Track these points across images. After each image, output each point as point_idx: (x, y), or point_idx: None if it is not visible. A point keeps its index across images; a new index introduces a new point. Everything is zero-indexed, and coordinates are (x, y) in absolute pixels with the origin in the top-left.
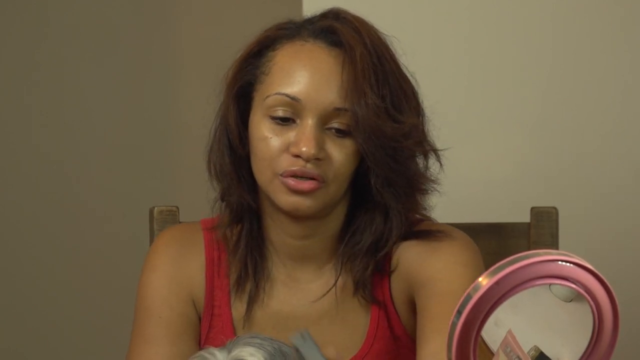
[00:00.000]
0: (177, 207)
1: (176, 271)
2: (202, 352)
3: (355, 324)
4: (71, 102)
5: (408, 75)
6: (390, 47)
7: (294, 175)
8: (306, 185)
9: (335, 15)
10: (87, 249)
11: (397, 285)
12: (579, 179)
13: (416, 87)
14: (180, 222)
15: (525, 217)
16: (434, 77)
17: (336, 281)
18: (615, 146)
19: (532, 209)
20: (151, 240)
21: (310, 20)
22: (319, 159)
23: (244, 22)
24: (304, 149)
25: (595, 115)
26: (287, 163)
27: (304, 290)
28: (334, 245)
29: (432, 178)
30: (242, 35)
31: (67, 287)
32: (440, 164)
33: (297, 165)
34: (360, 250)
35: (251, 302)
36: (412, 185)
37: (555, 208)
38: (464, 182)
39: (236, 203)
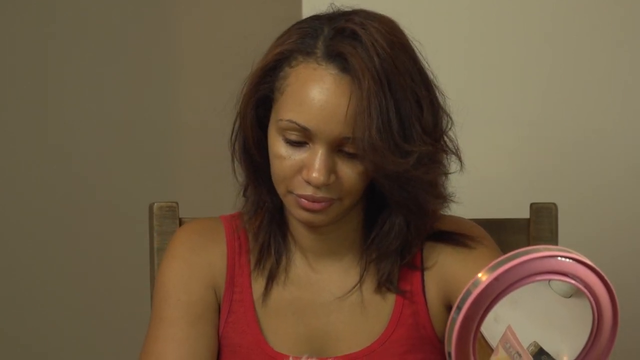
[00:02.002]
0: (177, 203)
1: (197, 258)
2: None
3: (378, 312)
4: (71, 99)
5: (435, 92)
6: (417, 59)
7: (306, 198)
8: (317, 206)
9: (360, 24)
10: (87, 245)
11: (433, 284)
12: (579, 175)
13: (443, 101)
14: (180, 218)
15: (524, 213)
16: (432, 74)
17: (361, 279)
18: (614, 142)
19: (532, 205)
20: (151, 236)
21: (333, 24)
22: (329, 184)
23: (244, 21)
24: (314, 175)
25: (594, 111)
26: (299, 186)
27: (324, 281)
28: (354, 238)
29: (446, 197)
30: (242, 34)
31: (66, 283)
32: (461, 165)
33: (308, 191)
34: (387, 254)
35: (271, 279)
36: (425, 209)
37: (554, 204)
38: (463, 178)
39: (255, 200)
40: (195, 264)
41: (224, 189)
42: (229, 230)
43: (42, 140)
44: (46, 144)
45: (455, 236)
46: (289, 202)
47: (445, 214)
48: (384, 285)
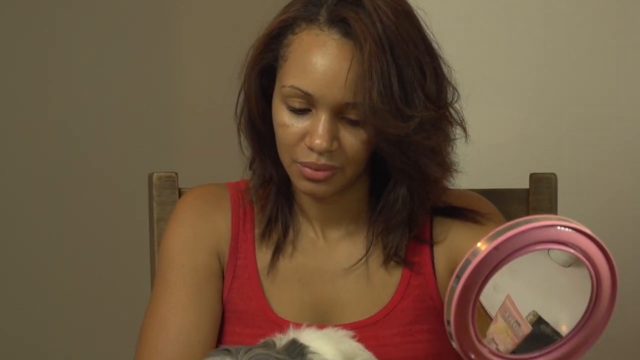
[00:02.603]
0: (176, 174)
1: (201, 224)
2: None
3: (384, 282)
4: (71, 72)
5: (440, 61)
6: (421, 28)
7: (309, 166)
8: (320, 174)
9: None
10: (86, 215)
11: (442, 258)
12: (578, 145)
13: (448, 72)
14: (179, 189)
15: (524, 183)
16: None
17: (367, 252)
18: (614, 112)
19: (531, 175)
20: (150, 207)
21: None
22: (332, 151)
23: None
24: (316, 141)
25: (594, 81)
26: (302, 154)
27: (330, 249)
28: (360, 208)
29: (449, 165)
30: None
31: (66, 253)
32: (466, 136)
33: (311, 158)
34: (395, 226)
35: (277, 252)
36: (426, 175)
37: (554, 174)
38: (463, 148)
39: (262, 174)
40: (200, 230)
41: (223, 159)
42: (234, 197)
43: (42, 112)
44: (46, 115)
45: (465, 212)
46: (293, 173)
47: (452, 187)
48: (390, 259)
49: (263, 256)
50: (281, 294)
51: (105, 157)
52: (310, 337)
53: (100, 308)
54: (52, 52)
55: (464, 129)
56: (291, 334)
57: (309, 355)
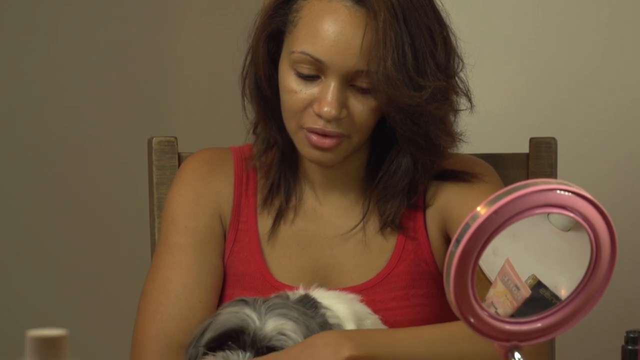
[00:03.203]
0: (176, 138)
1: (204, 187)
2: (235, 308)
3: (380, 248)
4: (72, 35)
5: (448, 31)
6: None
7: (316, 133)
8: (327, 142)
9: None
10: (86, 179)
11: (433, 221)
12: (578, 110)
13: (454, 42)
14: (178, 153)
15: (524, 148)
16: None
17: (364, 218)
18: (614, 77)
19: (531, 139)
20: (150, 171)
21: None
22: (340, 119)
23: None
24: (325, 109)
25: (594, 45)
26: (310, 120)
27: (329, 215)
28: (359, 175)
29: (456, 135)
30: None
31: (65, 218)
32: (471, 105)
33: (319, 125)
34: (394, 194)
35: (279, 218)
36: (435, 144)
37: (554, 138)
38: (462, 113)
39: (265, 138)
40: (203, 192)
41: (222, 124)
42: (237, 161)
43: (41, 77)
44: (45, 81)
45: (455, 173)
46: (299, 139)
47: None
48: (388, 225)
49: (264, 222)
50: (281, 259)
51: (104, 122)
52: (322, 296)
53: (100, 273)
54: (51, 17)
55: (470, 99)
56: (301, 291)
57: (322, 310)
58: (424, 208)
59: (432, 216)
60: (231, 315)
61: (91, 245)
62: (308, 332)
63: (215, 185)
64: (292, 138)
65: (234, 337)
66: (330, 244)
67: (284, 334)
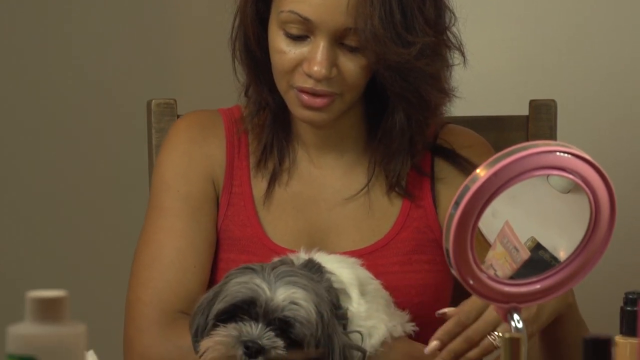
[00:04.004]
0: (175, 100)
1: (196, 149)
2: (245, 279)
3: (384, 213)
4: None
5: None
6: None
7: (307, 92)
8: (318, 101)
9: None
10: (85, 141)
11: (443, 194)
12: (578, 72)
13: None
14: (178, 115)
15: (524, 110)
16: None
17: (369, 181)
18: (614, 38)
19: (531, 101)
20: (149, 133)
21: None
22: (331, 78)
23: None
24: (315, 68)
25: (595, 6)
26: (300, 79)
27: (326, 177)
28: (356, 135)
29: (448, 91)
30: None
31: (64, 179)
32: (464, 60)
33: (309, 84)
34: (395, 153)
35: (273, 180)
36: (427, 100)
37: (554, 100)
38: (462, 75)
39: (257, 100)
40: (195, 156)
41: (222, 86)
42: (228, 123)
43: (42, 39)
44: (45, 42)
45: (464, 163)
46: (290, 99)
47: (452, 114)
48: (393, 188)
49: (259, 185)
50: (277, 221)
51: (103, 83)
52: (324, 260)
53: (99, 232)
54: None
55: (463, 54)
56: (303, 255)
57: (327, 275)
58: (433, 179)
59: (444, 192)
60: (241, 286)
61: (90, 207)
62: (317, 299)
63: (208, 149)
64: (284, 98)
65: (245, 309)
66: (328, 207)
67: (295, 303)
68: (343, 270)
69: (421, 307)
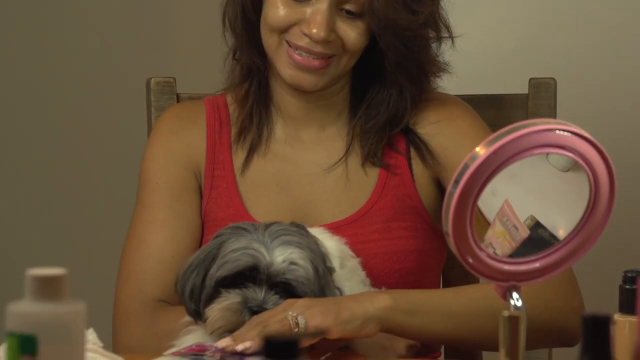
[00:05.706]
0: (174, 79)
1: (174, 141)
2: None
3: (361, 184)
4: None
5: None
6: None
7: (301, 50)
8: (316, 63)
9: None
10: (85, 119)
11: (419, 168)
12: (578, 50)
13: None
14: (177, 94)
15: (523, 89)
16: None
17: (347, 152)
18: (614, 17)
19: (531, 80)
20: (149, 112)
21: None
22: (330, 42)
23: None
24: (314, 30)
25: None
26: (295, 36)
27: (307, 151)
28: (342, 109)
29: (444, 62)
30: None
31: (63, 159)
32: (452, 41)
33: (303, 42)
34: (375, 125)
35: (252, 150)
36: (424, 70)
37: (553, 79)
38: (462, 54)
39: (246, 63)
40: (174, 147)
41: (221, 64)
42: (210, 111)
43: (40, 18)
44: (45, 23)
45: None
46: (279, 58)
47: (447, 91)
48: (368, 159)
49: (238, 158)
50: (258, 199)
51: (103, 62)
52: (312, 231)
53: (97, 213)
54: None
55: (448, 29)
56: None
57: (312, 236)
58: (408, 155)
59: (419, 167)
60: (240, 253)
61: (89, 187)
62: (312, 255)
63: (187, 138)
64: (273, 57)
65: (247, 275)
66: (309, 181)
67: (294, 263)
68: (327, 242)
69: (403, 273)
